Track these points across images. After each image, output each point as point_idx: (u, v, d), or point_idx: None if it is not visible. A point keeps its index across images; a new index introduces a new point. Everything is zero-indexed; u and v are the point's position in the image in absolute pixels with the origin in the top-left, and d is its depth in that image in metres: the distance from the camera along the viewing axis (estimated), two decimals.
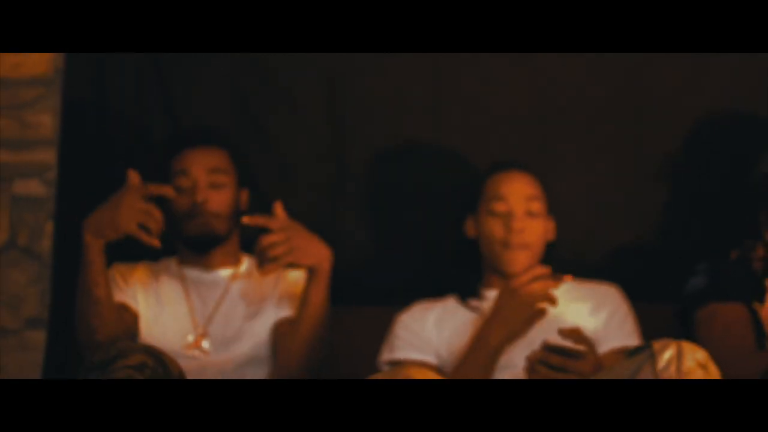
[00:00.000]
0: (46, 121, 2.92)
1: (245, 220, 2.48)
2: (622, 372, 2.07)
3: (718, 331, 2.38)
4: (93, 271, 2.41)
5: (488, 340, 2.34)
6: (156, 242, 2.39)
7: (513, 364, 2.36)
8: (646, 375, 2.01)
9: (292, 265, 2.45)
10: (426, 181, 2.87)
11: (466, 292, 2.53)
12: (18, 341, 2.86)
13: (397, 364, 2.45)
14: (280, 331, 2.52)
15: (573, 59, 2.82)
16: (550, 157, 2.84)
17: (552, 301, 2.34)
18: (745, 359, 2.29)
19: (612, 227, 2.82)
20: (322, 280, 2.44)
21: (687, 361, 1.99)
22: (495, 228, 2.48)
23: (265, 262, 2.37)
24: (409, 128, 2.88)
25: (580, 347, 2.14)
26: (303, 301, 2.46)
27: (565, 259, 2.68)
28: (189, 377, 2.40)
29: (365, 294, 2.80)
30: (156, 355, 2.14)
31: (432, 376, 2.10)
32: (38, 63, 2.92)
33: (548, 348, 2.12)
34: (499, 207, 2.49)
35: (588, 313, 2.45)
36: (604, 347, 2.38)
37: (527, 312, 2.32)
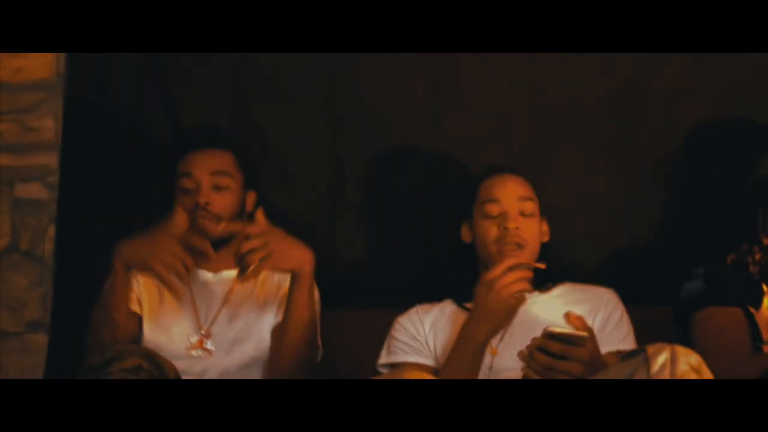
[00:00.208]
0: (47, 125, 2.93)
1: (221, 227, 2.49)
2: (616, 375, 2.07)
3: (714, 334, 2.39)
4: (116, 296, 2.45)
5: (474, 336, 2.34)
6: (179, 291, 2.41)
7: (509, 367, 2.36)
8: (640, 378, 2.01)
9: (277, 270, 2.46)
10: (425, 183, 2.87)
11: (463, 295, 2.54)
12: (20, 344, 2.87)
13: (395, 366, 2.47)
14: (274, 335, 2.53)
15: (572, 62, 2.82)
16: (549, 159, 2.84)
17: (527, 287, 2.34)
18: (740, 363, 2.29)
19: (611, 229, 2.82)
20: (304, 284, 2.44)
21: (681, 364, 1.99)
22: (490, 230, 2.49)
23: (244, 268, 2.37)
24: (409, 130, 2.89)
25: (582, 333, 2.12)
26: (287, 305, 2.46)
27: (564, 261, 2.69)
28: (192, 377, 2.42)
29: (364, 295, 2.81)
30: (152, 357, 2.15)
31: (429, 378, 2.10)
32: (40, 67, 2.94)
33: (549, 335, 2.11)
34: (493, 209, 2.51)
35: (583, 317, 2.44)
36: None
37: (506, 303, 2.31)
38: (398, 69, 2.87)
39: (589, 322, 2.42)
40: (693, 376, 2.00)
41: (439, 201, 2.84)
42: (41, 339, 2.84)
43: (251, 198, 2.68)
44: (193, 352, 2.52)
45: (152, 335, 2.53)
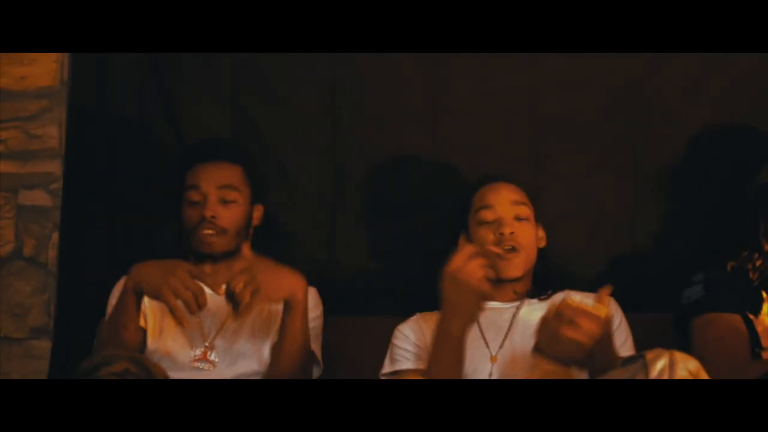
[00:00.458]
0: (51, 133, 2.95)
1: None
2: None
3: (713, 340, 2.39)
4: (124, 316, 2.43)
5: (449, 332, 2.29)
6: (186, 323, 2.40)
7: (509, 374, 2.38)
8: None
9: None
10: (425, 189, 2.88)
11: None
12: (23, 350, 2.89)
13: (397, 374, 2.46)
14: (274, 351, 2.51)
15: (572, 67, 2.83)
16: (549, 166, 2.84)
17: (491, 273, 2.28)
18: (739, 369, 2.28)
19: (610, 235, 2.82)
20: (297, 311, 2.41)
21: (679, 370, 1.99)
22: (486, 236, 2.49)
23: (236, 306, 2.32)
24: (409, 135, 2.89)
25: (600, 311, 2.11)
26: (281, 332, 2.44)
27: (563, 268, 2.70)
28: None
29: (363, 301, 2.81)
30: (139, 361, 2.13)
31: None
32: (44, 75, 2.96)
33: (567, 303, 2.11)
34: (487, 215, 2.51)
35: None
36: None
37: (476, 291, 2.25)
38: (398, 72, 2.88)
39: None
40: None
41: (438, 208, 2.84)
42: (44, 345, 2.86)
43: (258, 211, 2.69)
44: (197, 364, 2.51)
45: (156, 347, 2.53)
